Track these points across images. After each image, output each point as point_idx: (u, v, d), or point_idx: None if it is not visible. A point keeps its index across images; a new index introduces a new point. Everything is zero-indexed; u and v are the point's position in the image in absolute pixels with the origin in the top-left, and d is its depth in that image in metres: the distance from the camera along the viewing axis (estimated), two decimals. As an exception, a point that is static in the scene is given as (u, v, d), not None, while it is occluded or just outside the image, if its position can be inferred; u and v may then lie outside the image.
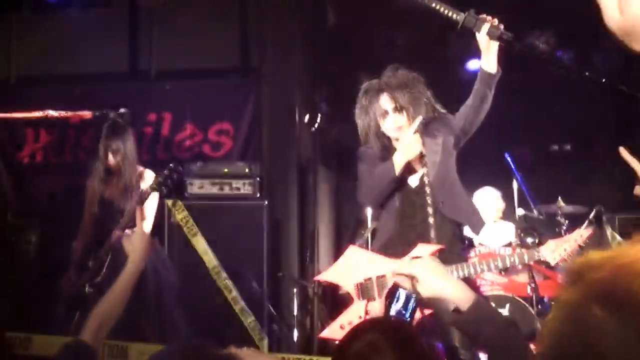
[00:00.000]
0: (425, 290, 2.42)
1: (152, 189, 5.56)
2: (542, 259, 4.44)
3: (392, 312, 2.46)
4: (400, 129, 4.63)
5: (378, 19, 7.79)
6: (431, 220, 4.55)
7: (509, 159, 7.17)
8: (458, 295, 2.35)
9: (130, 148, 5.89)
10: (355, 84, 8.38)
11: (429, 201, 4.56)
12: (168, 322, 5.78)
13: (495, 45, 4.32)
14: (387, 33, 8.05)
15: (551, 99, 8.31)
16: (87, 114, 4.59)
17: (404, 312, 2.45)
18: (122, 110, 4.63)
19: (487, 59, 4.41)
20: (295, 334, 7.02)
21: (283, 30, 7.49)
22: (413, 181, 4.72)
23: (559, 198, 6.91)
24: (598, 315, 1.40)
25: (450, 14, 4.28)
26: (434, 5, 4.28)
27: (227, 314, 6.36)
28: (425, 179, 4.60)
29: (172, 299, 5.88)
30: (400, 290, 2.45)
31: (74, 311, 5.70)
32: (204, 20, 7.65)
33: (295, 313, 6.94)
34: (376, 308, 3.77)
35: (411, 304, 2.44)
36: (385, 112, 4.65)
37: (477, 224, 4.84)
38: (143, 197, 5.60)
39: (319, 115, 7.02)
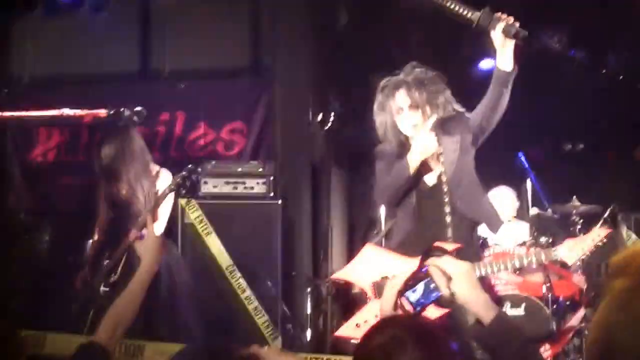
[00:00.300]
0: (457, 291, 2.41)
1: (170, 190, 5.56)
2: (558, 259, 4.40)
3: (411, 300, 2.45)
4: (415, 127, 4.61)
5: (390, 18, 7.77)
6: (448, 219, 4.54)
7: (522, 158, 7.14)
8: (483, 308, 2.35)
9: (129, 148, 5.88)
10: (367, 84, 8.41)
11: (445, 200, 4.55)
12: (182, 321, 5.77)
13: (510, 43, 4.29)
14: (399, 32, 8.01)
15: (564, 98, 8.26)
16: (101, 112, 4.57)
17: (422, 301, 2.45)
18: (137, 108, 4.61)
19: (502, 57, 4.37)
20: (309, 333, 7.00)
21: (295, 30, 7.50)
22: (430, 180, 4.69)
23: (574, 197, 6.88)
24: None
25: (464, 12, 4.27)
26: (448, 4, 4.27)
27: (241, 313, 6.37)
28: (443, 178, 4.58)
29: (186, 299, 5.87)
30: (422, 282, 2.44)
31: (88, 310, 5.70)
32: (216, 20, 7.65)
33: (308, 312, 6.92)
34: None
35: (432, 297, 2.44)
36: (401, 109, 4.63)
37: (495, 223, 4.80)
38: (160, 199, 5.60)
39: (332, 114, 7.00)
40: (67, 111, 4.64)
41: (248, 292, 6.43)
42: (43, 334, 4.89)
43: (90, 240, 6.19)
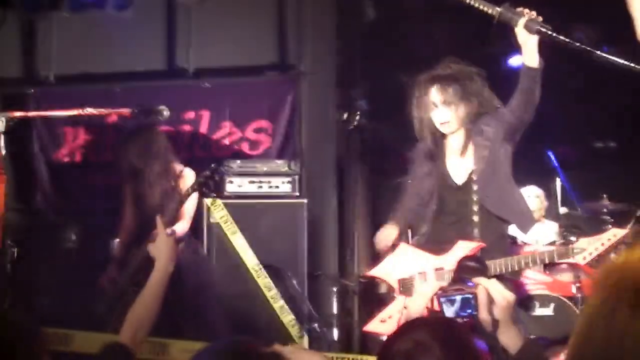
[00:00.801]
0: (498, 315, 2.38)
1: (193, 189, 5.53)
2: (571, 258, 4.33)
3: (450, 314, 2.43)
4: (448, 124, 4.58)
5: (417, 13, 7.71)
6: (475, 218, 4.48)
7: (551, 156, 7.06)
8: (513, 338, 2.32)
9: (153, 147, 5.87)
10: (394, 80, 8.35)
11: (474, 198, 4.49)
12: (207, 321, 5.75)
13: (534, 38, 4.23)
14: (426, 28, 7.95)
15: (594, 95, 8.16)
16: (125, 111, 4.55)
17: (462, 313, 2.41)
18: (160, 107, 4.59)
19: (527, 53, 4.32)
20: (335, 332, 6.96)
21: (321, 27, 7.44)
22: (459, 178, 4.64)
23: (604, 196, 6.79)
24: (624, 317, 1.42)
25: (485, 8, 4.21)
26: (468, 0, 4.22)
27: (267, 313, 6.34)
28: (473, 176, 4.53)
29: (212, 299, 5.85)
30: (462, 296, 2.42)
31: (114, 309, 5.71)
32: (242, 18, 7.61)
33: (334, 311, 6.87)
34: (415, 304, 3.74)
35: (465, 313, 2.41)
36: (434, 105, 4.60)
37: (526, 223, 4.72)
38: (183, 198, 5.58)
39: (358, 112, 6.95)
40: (90, 110, 4.61)
41: (274, 291, 6.40)
42: (70, 332, 4.88)
43: (117, 240, 6.19)
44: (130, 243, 6.03)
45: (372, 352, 7.24)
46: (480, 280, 2.47)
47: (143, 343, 3.07)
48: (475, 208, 4.52)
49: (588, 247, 4.27)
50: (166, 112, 4.61)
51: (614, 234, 4.37)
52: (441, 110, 4.57)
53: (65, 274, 7.03)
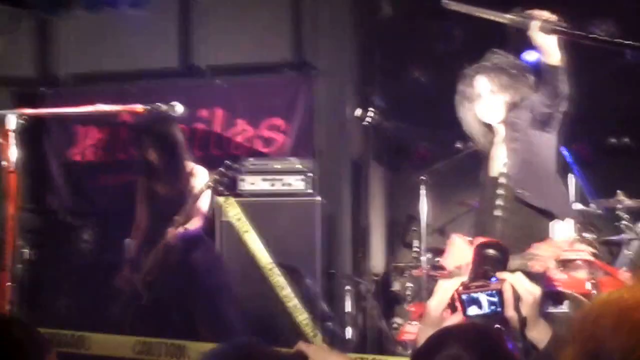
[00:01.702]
0: (525, 311, 2.31)
1: (207, 187, 5.52)
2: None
3: (473, 312, 2.33)
4: (496, 113, 4.61)
5: (433, 10, 7.66)
6: (498, 212, 4.47)
7: (565, 152, 7.00)
8: (541, 333, 2.27)
9: (170, 143, 5.83)
10: (409, 77, 8.33)
11: (499, 192, 4.54)
12: (222, 321, 5.72)
13: (552, 38, 4.20)
14: (442, 24, 7.91)
15: (608, 91, 8.11)
16: (139, 107, 4.52)
17: (486, 312, 2.34)
18: (174, 103, 4.55)
19: (547, 52, 4.28)
20: (349, 331, 6.94)
21: (336, 23, 7.40)
22: (494, 170, 4.68)
23: (619, 192, 6.74)
24: None
25: (496, 18, 4.19)
26: (477, 13, 4.20)
27: (280, 312, 6.31)
28: (505, 169, 4.57)
29: (227, 299, 5.82)
30: (485, 293, 2.32)
31: (129, 309, 5.70)
32: (256, 14, 7.57)
33: (348, 310, 6.84)
34: (434, 301, 3.72)
35: (489, 311, 2.31)
36: (480, 96, 4.61)
37: (563, 210, 4.69)
38: (197, 195, 5.57)
39: (374, 110, 6.93)
40: (102, 107, 4.59)
41: (287, 290, 6.36)
42: (87, 334, 4.87)
43: (130, 239, 6.17)
44: (144, 243, 6.00)
45: (386, 350, 7.23)
46: (506, 276, 2.36)
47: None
48: (500, 202, 4.54)
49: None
50: (179, 108, 4.56)
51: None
52: (489, 99, 4.60)
53: (80, 275, 7.04)
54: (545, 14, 4.13)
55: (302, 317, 6.32)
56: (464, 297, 2.33)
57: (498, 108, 4.59)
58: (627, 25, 7.68)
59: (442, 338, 2.02)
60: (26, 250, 6.36)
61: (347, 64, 7.52)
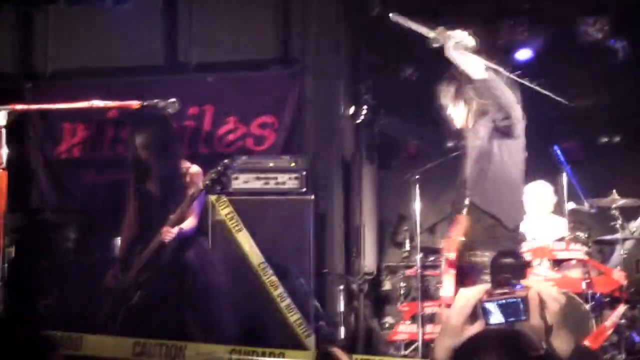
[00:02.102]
0: (551, 319, 2.21)
1: (205, 186, 5.41)
2: None
3: (495, 321, 2.24)
4: (454, 121, 4.89)
5: (424, 7, 7.63)
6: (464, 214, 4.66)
7: (557, 151, 6.98)
8: (564, 341, 2.20)
9: (161, 140, 5.72)
10: (400, 76, 8.30)
11: (464, 195, 4.70)
12: (217, 321, 5.63)
13: (470, 55, 4.34)
14: (433, 22, 7.86)
15: (599, 90, 8.12)
16: (134, 103, 4.41)
17: (510, 320, 2.25)
18: (171, 99, 4.45)
19: (469, 68, 4.38)
20: (342, 330, 6.88)
21: (327, 20, 7.32)
22: (462, 176, 4.84)
23: (613, 191, 6.72)
24: None
25: (423, 33, 4.34)
26: (409, 26, 4.35)
27: (273, 312, 6.24)
28: (465, 175, 4.79)
29: (220, 298, 5.72)
30: (507, 301, 2.25)
31: (119, 309, 5.59)
32: (245, 10, 7.49)
33: (341, 310, 6.77)
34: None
35: (511, 319, 2.23)
36: (446, 104, 4.91)
37: (512, 218, 4.69)
38: (194, 195, 5.46)
39: (364, 107, 6.87)
40: (97, 103, 4.48)
41: (280, 290, 6.30)
42: (80, 335, 4.75)
43: (119, 238, 6.06)
44: (134, 241, 5.89)
45: (376, 350, 7.18)
46: (531, 283, 2.28)
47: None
48: (466, 204, 4.67)
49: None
50: (176, 105, 4.47)
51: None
52: (454, 107, 4.88)
53: (65, 274, 6.91)
54: (458, 34, 4.25)
55: (295, 317, 6.25)
56: (487, 305, 2.23)
57: (462, 116, 4.82)
58: (617, 21, 7.70)
59: (474, 349, 1.96)
60: (11, 249, 6.23)
61: (337, 60, 7.45)
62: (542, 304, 2.21)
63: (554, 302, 2.22)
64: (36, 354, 2.13)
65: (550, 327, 2.20)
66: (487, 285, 2.32)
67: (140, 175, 5.78)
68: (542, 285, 2.28)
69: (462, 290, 2.37)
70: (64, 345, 4.66)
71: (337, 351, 2.33)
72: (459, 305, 2.30)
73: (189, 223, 5.66)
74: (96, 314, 5.72)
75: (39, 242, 7.28)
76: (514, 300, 2.22)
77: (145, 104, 4.43)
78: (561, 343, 2.20)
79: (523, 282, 2.28)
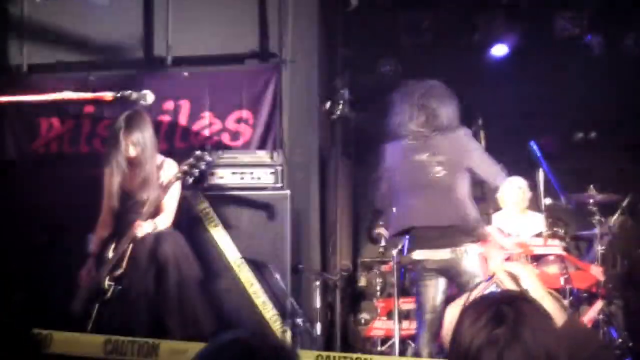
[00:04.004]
0: (528, 285, 2.34)
1: (177, 178, 5.35)
2: None
3: None
4: None
5: (401, 2, 7.62)
6: None
7: (534, 147, 6.98)
8: (553, 312, 2.20)
9: (149, 138, 5.67)
10: (377, 70, 8.27)
11: None
12: (192, 317, 5.57)
13: None
14: (410, 17, 7.86)
15: (575, 86, 8.13)
16: (107, 95, 4.35)
17: None
18: (144, 91, 4.39)
19: None
20: (318, 327, 6.83)
21: (303, 15, 7.25)
22: None
23: (590, 186, 6.73)
24: None
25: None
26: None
27: (249, 308, 6.20)
28: None
29: (195, 294, 5.66)
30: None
31: (92, 305, 5.51)
32: (222, 5, 7.42)
33: (317, 306, 6.72)
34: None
35: None
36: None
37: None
38: (166, 187, 5.40)
39: (341, 102, 6.82)
40: (69, 94, 4.41)
41: (256, 286, 6.26)
42: (49, 332, 4.66)
43: (93, 234, 5.98)
44: (108, 237, 5.82)
45: (354, 346, 7.15)
46: (495, 268, 2.48)
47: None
48: None
49: None
50: (150, 97, 4.40)
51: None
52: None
53: (37, 271, 6.82)
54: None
55: (271, 313, 6.22)
56: None
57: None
58: (594, 16, 7.71)
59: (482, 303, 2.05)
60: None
61: (314, 55, 7.39)
62: (513, 278, 2.39)
63: (520, 269, 2.41)
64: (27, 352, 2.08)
65: (526, 290, 2.35)
66: (465, 295, 2.47)
67: (115, 169, 5.69)
68: (504, 265, 2.48)
69: (448, 309, 2.51)
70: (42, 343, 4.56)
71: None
72: (450, 324, 2.34)
73: (164, 218, 5.60)
74: (69, 310, 5.65)
75: (11, 237, 7.18)
76: (491, 288, 2.44)
77: (118, 95, 4.37)
78: (548, 309, 2.21)
79: (489, 270, 2.45)
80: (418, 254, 5.20)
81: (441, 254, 5.08)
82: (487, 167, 5.31)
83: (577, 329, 2.23)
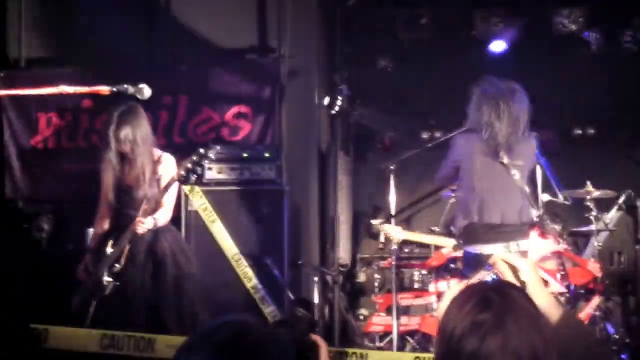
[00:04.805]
0: (526, 280, 2.37)
1: (180, 176, 5.32)
2: None
3: None
4: None
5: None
6: None
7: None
8: (549, 305, 2.22)
9: (142, 133, 5.62)
10: (376, 66, 8.27)
11: None
12: (189, 312, 5.57)
13: None
14: (410, 13, 7.85)
15: (573, 82, 8.13)
16: (103, 89, 4.33)
17: None
18: (140, 85, 4.37)
19: None
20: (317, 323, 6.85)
21: (302, 10, 7.25)
22: None
23: (588, 183, 6.74)
24: None
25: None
26: None
27: (247, 303, 6.20)
28: None
29: (193, 289, 5.65)
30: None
31: (91, 301, 5.51)
32: (222, 0, 7.42)
33: (316, 302, 6.73)
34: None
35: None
36: None
37: None
38: (168, 185, 5.39)
39: (340, 97, 6.82)
40: (66, 88, 4.40)
41: (254, 281, 6.27)
42: (45, 328, 4.66)
43: (92, 229, 5.97)
44: (107, 232, 5.80)
45: (353, 342, 7.16)
46: (496, 258, 2.55)
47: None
48: None
49: None
50: (147, 91, 4.39)
51: None
52: None
53: (37, 265, 6.83)
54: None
55: (269, 309, 6.23)
56: None
57: None
58: (591, 13, 7.71)
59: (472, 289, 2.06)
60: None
61: (313, 50, 7.39)
62: (512, 269, 2.45)
63: (519, 261, 2.46)
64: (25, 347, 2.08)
65: (523, 282, 2.40)
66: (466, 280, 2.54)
67: (114, 164, 5.68)
68: (505, 255, 2.55)
69: (447, 290, 2.59)
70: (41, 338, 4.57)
71: (317, 338, 2.32)
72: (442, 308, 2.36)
73: (163, 214, 5.59)
74: (68, 305, 5.65)
75: (12, 232, 7.20)
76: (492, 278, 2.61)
77: (114, 89, 4.35)
78: (542, 302, 2.23)
79: (490, 260, 2.47)
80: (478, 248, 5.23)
81: (492, 249, 5.14)
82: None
83: (573, 325, 2.24)
